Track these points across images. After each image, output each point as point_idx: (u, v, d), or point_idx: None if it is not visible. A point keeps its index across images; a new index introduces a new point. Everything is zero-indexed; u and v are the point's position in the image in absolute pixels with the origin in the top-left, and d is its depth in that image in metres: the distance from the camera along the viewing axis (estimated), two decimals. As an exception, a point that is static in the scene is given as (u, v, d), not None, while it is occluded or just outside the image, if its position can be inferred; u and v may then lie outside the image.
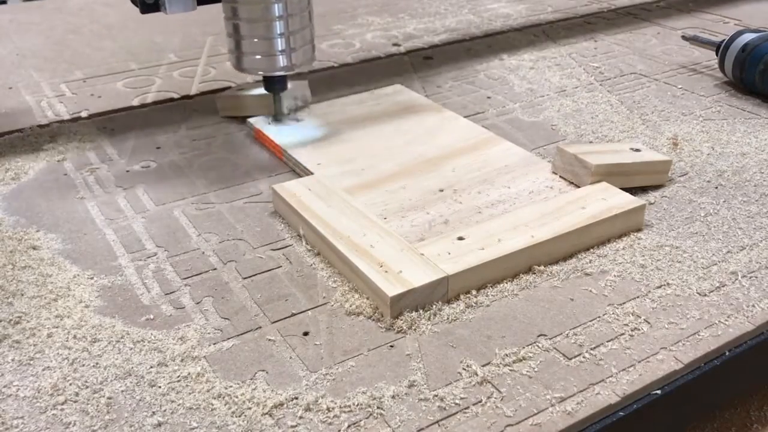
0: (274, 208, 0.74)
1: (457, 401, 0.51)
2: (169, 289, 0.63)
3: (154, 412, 0.50)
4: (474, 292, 0.61)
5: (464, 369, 0.54)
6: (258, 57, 0.82)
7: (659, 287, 0.62)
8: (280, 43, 0.82)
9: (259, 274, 0.65)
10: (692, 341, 0.56)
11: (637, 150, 0.77)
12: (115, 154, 0.86)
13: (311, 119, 0.91)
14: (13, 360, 0.55)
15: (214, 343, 0.57)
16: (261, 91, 0.92)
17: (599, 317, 0.59)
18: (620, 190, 0.71)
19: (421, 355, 0.55)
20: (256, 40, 0.81)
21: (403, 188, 0.75)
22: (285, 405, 0.51)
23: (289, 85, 0.90)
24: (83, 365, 0.54)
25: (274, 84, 0.87)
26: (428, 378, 0.53)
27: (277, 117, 0.90)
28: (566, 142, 0.86)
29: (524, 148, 0.82)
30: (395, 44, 1.20)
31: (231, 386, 0.52)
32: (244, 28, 0.81)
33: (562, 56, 1.15)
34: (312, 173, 0.78)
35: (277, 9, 0.80)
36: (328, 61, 1.14)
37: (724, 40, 1.02)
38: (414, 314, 0.58)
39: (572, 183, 0.75)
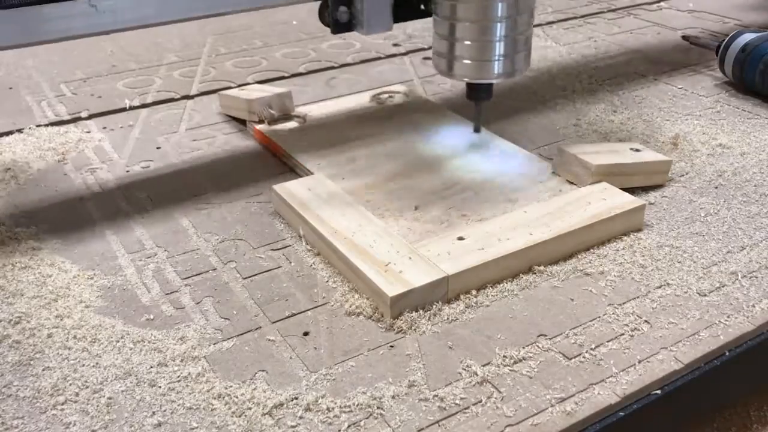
0: (274, 208, 0.74)
1: (457, 401, 0.51)
2: (169, 289, 0.63)
3: (154, 412, 0.50)
4: (474, 292, 0.61)
5: (464, 369, 0.54)
6: (467, 62, 0.73)
7: (659, 287, 0.62)
8: (498, 48, 0.72)
9: (259, 274, 0.65)
10: (692, 341, 0.56)
11: (637, 150, 0.77)
12: (115, 154, 0.86)
13: (312, 120, 0.91)
14: (12, 360, 0.55)
15: (214, 343, 0.57)
16: (261, 93, 0.92)
17: (599, 317, 0.59)
18: (620, 190, 0.71)
19: (421, 355, 0.55)
20: (469, 42, 0.72)
21: (404, 188, 0.75)
22: (285, 405, 0.51)
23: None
24: (83, 365, 0.54)
25: (480, 93, 0.78)
26: (428, 378, 0.53)
27: (477, 128, 0.83)
28: (567, 142, 0.86)
29: (524, 148, 0.82)
30: (395, 44, 1.20)
31: (231, 386, 0.52)
32: (460, 29, 0.72)
33: (562, 56, 1.15)
34: (312, 173, 0.78)
35: (501, 8, 0.71)
36: (328, 61, 1.14)
37: (724, 40, 1.02)
38: (414, 314, 0.58)
39: (572, 183, 0.75)
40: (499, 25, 0.71)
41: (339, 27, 0.75)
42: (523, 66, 0.75)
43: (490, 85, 0.77)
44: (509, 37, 0.72)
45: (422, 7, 0.77)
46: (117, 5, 0.66)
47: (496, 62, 0.73)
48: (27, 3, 0.62)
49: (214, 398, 0.51)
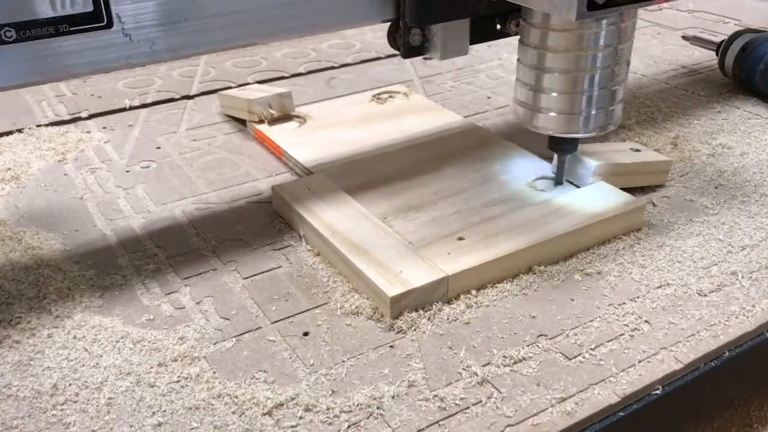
0: (274, 208, 0.74)
1: (457, 401, 0.51)
2: (169, 289, 0.63)
3: (154, 413, 0.50)
4: (474, 292, 0.61)
5: (464, 369, 0.54)
6: (554, 114, 0.66)
7: (659, 287, 0.62)
8: (586, 101, 0.65)
9: (259, 274, 0.65)
10: (692, 341, 0.56)
11: (637, 150, 0.77)
12: (115, 154, 0.86)
13: (312, 120, 0.91)
14: (12, 360, 0.55)
15: (214, 343, 0.57)
16: (261, 93, 0.92)
17: (599, 317, 0.59)
18: (620, 190, 0.71)
19: (421, 355, 0.55)
20: (556, 94, 0.66)
21: (404, 188, 0.75)
22: (285, 405, 0.51)
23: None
24: (83, 365, 0.54)
25: (565, 145, 0.71)
26: (428, 378, 0.53)
27: (558, 181, 0.74)
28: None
29: (524, 148, 0.82)
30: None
31: (231, 386, 0.52)
32: (547, 79, 0.65)
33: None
34: (312, 173, 0.78)
35: (594, 60, 0.64)
36: (328, 61, 1.14)
37: (724, 40, 1.02)
38: (414, 314, 0.58)
39: (572, 183, 0.75)
40: (588, 77, 0.65)
41: (411, 51, 0.69)
42: (617, 119, 0.69)
43: (576, 138, 0.70)
44: (601, 89, 0.66)
45: (498, 27, 0.71)
46: (154, 34, 0.57)
47: (582, 116, 0.66)
48: (50, 35, 0.53)
49: (214, 398, 0.51)
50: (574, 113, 0.66)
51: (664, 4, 1.41)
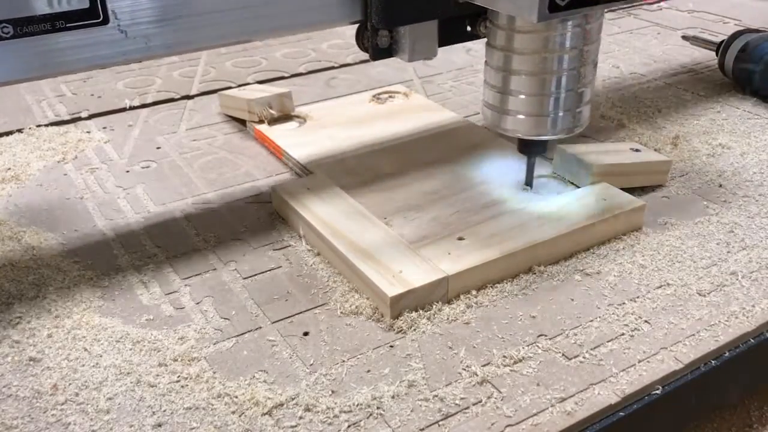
0: (274, 208, 0.74)
1: (457, 401, 0.51)
2: (169, 289, 0.63)
3: (154, 413, 0.50)
4: (474, 292, 0.61)
5: (464, 369, 0.54)
6: (522, 117, 0.66)
7: (659, 287, 0.62)
8: (553, 103, 0.65)
9: (259, 274, 0.65)
10: (692, 341, 0.56)
11: (637, 150, 0.77)
12: (115, 154, 0.86)
13: (312, 120, 0.91)
14: (13, 360, 0.55)
15: (214, 343, 0.57)
16: (261, 93, 0.92)
17: (599, 317, 0.59)
18: (620, 190, 0.71)
19: (421, 355, 0.55)
20: (523, 97, 0.65)
21: (404, 188, 0.75)
22: (285, 405, 0.51)
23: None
24: (83, 365, 0.54)
25: (534, 147, 0.70)
26: (428, 378, 0.53)
27: (528, 183, 0.73)
28: (567, 143, 0.86)
29: (524, 148, 0.82)
30: (395, 44, 1.20)
31: (231, 386, 0.52)
32: (514, 81, 0.65)
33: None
34: (312, 173, 0.78)
35: (560, 61, 0.63)
36: (328, 61, 1.14)
37: (724, 40, 1.02)
38: (414, 314, 0.58)
39: (572, 183, 0.75)
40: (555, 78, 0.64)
41: (379, 53, 0.68)
42: (586, 119, 0.69)
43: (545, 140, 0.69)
44: (569, 91, 0.65)
45: (468, 28, 0.70)
46: (149, 31, 0.57)
47: (550, 118, 0.66)
48: (47, 31, 0.53)
49: (214, 398, 0.51)
50: (542, 115, 0.66)
51: (664, 4, 1.41)
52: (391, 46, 0.68)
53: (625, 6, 0.66)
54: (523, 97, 0.65)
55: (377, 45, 0.67)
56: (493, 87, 0.67)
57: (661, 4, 1.42)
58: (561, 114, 0.66)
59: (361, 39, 0.68)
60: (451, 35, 0.70)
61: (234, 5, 0.60)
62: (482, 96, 0.70)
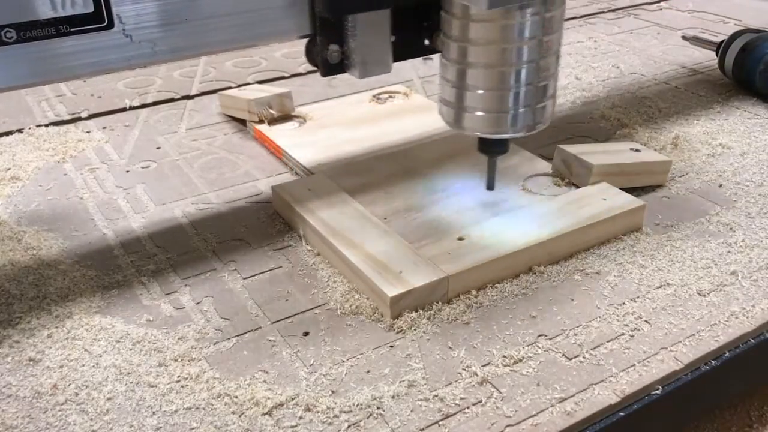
0: (274, 208, 0.74)
1: (457, 401, 0.51)
2: (169, 289, 0.63)
3: (154, 413, 0.50)
4: (474, 292, 0.61)
5: (464, 369, 0.54)
6: (480, 114, 0.62)
7: (659, 287, 0.62)
8: (513, 98, 0.61)
9: (259, 274, 0.65)
10: (692, 341, 0.56)
11: (637, 150, 0.77)
12: (115, 154, 0.86)
13: (312, 120, 0.91)
14: (13, 360, 0.55)
15: (214, 343, 0.57)
16: (261, 93, 0.92)
17: (599, 317, 0.59)
18: (620, 190, 0.71)
19: (421, 355, 0.55)
20: (481, 92, 0.61)
21: (404, 188, 0.75)
22: (285, 405, 0.51)
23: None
24: (83, 365, 0.54)
25: (495, 147, 0.67)
26: (428, 378, 0.53)
27: (490, 184, 0.71)
28: (566, 142, 0.86)
29: (524, 147, 0.82)
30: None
31: (231, 386, 0.52)
32: (472, 76, 0.61)
33: (562, 56, 1.14)
34: (312, 173, 0.78)
35: (519, 53, 0.59)
36: (328, 61, 1.14)
37: (724, 40, 1.02)
38: (414, 314, 0.58)
39: (572, 183, 0.75)
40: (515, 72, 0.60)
41: (330, 69, 0.63)
42: (549, 116, 0.65)
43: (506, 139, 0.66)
44: (530, 85, 0.61)
45: (426, 42, 0.66)
46: (155, 35, 0.56)
47: (510, 115, 0.62)
48: (51, 36, 0.52)
49: (214, 398, 0.51)
50: (501, 112, 0.61)
51: (664, 4, 1.41)
52: (343, 62, 0.63)
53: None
54: (480, 92, 0.61)
55: (327, 60, 0.63)
56: (448, 81, 0.63)
57: (661, 4, 1.42)
58: (522, 110, 0.61)
59: (311, 54, 0.64)
60: (408, 49, 0.66)
61: (242, 9, 0.59)
62: (440, 93, 0.66)
